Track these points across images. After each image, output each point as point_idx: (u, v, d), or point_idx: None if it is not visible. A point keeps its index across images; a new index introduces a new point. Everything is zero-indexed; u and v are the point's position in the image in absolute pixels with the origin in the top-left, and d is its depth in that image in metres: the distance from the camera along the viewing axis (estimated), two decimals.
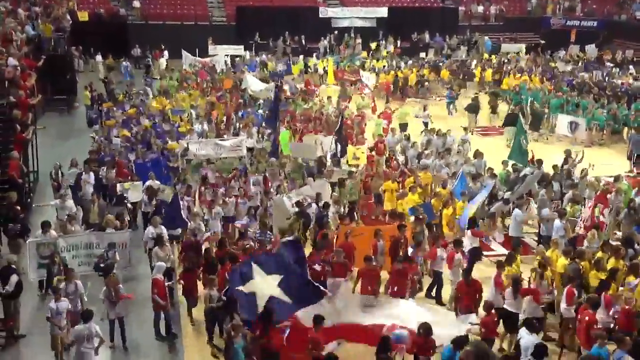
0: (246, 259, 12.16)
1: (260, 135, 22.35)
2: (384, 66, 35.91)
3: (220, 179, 18.17)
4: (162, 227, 14.34)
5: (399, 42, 41.97)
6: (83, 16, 37.87)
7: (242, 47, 38.52)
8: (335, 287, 12.40)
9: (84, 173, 17.38)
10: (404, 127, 25.11)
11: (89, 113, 26.18)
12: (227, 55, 36.53)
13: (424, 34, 42.76)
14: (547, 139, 25.89)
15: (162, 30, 39.04)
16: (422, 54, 40.08)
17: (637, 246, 13.62)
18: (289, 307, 11.16)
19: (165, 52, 36.85)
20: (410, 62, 36.82)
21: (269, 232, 14.59)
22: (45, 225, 14.19)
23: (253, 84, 28.35)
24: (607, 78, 34.39)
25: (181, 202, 15.69)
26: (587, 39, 43.35)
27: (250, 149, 21.26)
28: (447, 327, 10.81)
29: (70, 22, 33.02)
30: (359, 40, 41.38)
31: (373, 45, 40.66)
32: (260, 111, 25.42)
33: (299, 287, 11.40)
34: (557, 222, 14.79)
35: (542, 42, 43.90)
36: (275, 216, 15.74)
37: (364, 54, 39.60)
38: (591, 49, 42.13)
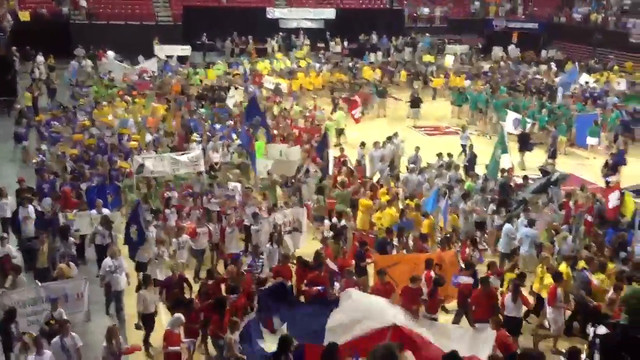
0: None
1: (226, 149, 21.08)
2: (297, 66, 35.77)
3: (183, 200, 16.73)
4: (121, 258, 13.08)
5: (346, 44, 42.31)
6: (24, 16, 36.89)
7: (189, 47, 38.21)
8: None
9: (21, 207, 15.01)
10: (340, 132, 25.34)
11: (16, 127, 22.73)
12: (169, 57, 36.02)
13: (372, 35, 43.19)
14: (490, 138, 26.46)
15: (106, 30, 38.27)
16: (372, 55, 40.43)
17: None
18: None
19: (110, 53, 36.19)
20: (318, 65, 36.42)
21: (260, 257, 13.69)
22: None
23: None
24: (530, 76, 35.88)
25: (147, 232, 14.09)
26: (529, 41, 44.51)
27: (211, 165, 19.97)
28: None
29: (11, 22, 32.18)
30: (307, 41, 41.60)
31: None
32: (230, 122, 24.22)
33: (304, 319, 10.97)
34: (529, 231, 14.79)
35: (479, 44, 44.94)
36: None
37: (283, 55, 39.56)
38: (512, 49, 43.43)
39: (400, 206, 16.91)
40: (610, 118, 26.57)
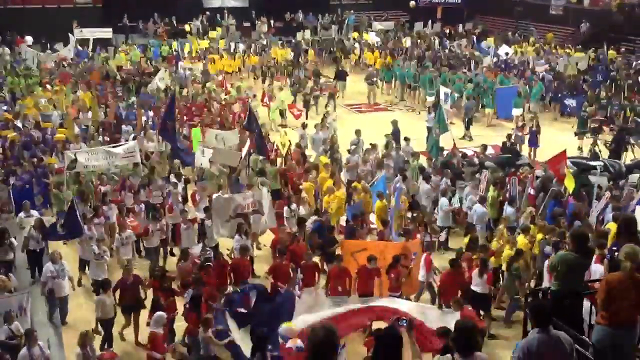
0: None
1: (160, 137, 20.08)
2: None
3: (119, 192, 16.15)
4: (63, 262, 12.55)
5: (272, 22, 41.84)
6: None
7: (110, 29, 37.04)
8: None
9: None
10: (283, 113, 25.14)
11: None
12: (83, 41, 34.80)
13: (298, 13, 42.80)
14: (419, 113, 26.82)
15: (23, 15, 36.61)
16: (299, 34, 40.07)
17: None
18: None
19: (28, 38, 34.69)
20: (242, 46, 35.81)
21: (208, 249, 13.51)
22: None
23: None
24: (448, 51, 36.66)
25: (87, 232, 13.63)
26: (453, 15, 45.16)
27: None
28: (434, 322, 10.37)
29: None
30: (232, 21, 40.92)
31: None
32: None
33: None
34: (478, 208, 14.90)
35: (403, 20, 45.30)
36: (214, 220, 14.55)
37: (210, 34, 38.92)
38: (435, 24, 43.97)
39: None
40: (534, 89, 27.27)
